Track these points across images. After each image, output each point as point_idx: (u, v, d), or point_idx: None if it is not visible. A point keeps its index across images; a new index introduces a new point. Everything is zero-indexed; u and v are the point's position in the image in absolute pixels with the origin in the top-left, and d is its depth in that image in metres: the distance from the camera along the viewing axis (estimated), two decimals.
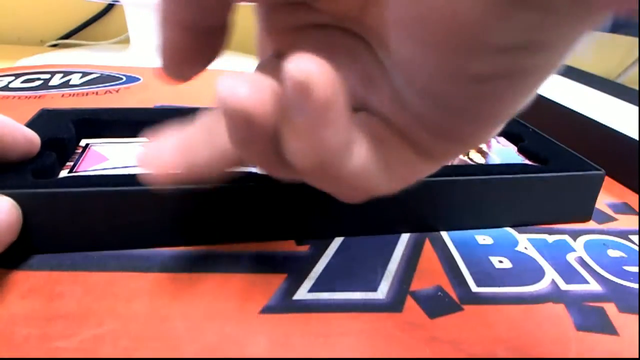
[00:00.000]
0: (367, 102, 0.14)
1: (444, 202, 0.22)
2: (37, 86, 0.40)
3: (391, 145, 0.14)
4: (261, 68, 0.15)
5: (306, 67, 0.10)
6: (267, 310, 0.17)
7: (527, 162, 0.26)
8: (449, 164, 0.14)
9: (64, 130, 0.24)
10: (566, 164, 0.24)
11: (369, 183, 0.13)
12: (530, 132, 0.29)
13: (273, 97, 0.11)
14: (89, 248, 0.19)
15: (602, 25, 0.11)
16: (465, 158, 0.27)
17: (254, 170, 0.23)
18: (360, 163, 0.13)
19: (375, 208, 0.21)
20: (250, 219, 0.21)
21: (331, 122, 0.11)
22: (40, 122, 0.24)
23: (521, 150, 0.28)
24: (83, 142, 0.25)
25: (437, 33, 0.10)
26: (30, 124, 0.22)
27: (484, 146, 0.28)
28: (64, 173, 0.22)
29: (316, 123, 0.11)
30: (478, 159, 0.27)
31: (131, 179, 0.19)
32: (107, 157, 0.23)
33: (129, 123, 0.26)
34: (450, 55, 0.10)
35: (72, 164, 0.22)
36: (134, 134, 0.26)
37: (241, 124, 0.11)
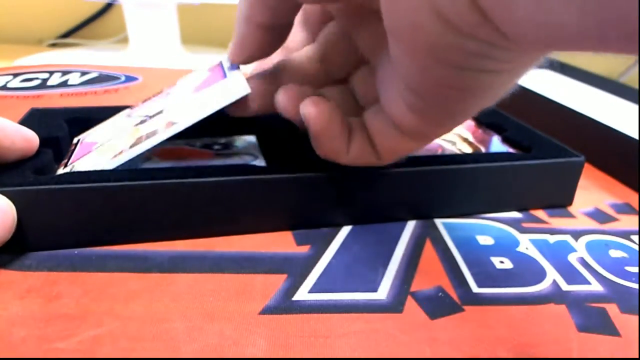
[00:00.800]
0: (379, 94, 0.18)
1: (432, 190, 0.23)
2: (35, 86, 0.40)
3: (385, 135, 0.18)
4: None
5: (308, 110, 0.18)
6: (267, 310, 0.17)
7: (511, 150, 0.27)
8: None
9: (58, 129, 0.24)
10: (548, 151, 0.25)
11: (363, 163, 0.19)
12: (512, 123, 0.30)
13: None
14: (89, 244, 0.19)
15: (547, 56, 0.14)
16: (455, 149, 0.27)
17: (253, 162, 0.23)
18: (355, 155, 0.19)
19: (368, 197, 0.22)
20: (249, 210, 0.21)
21: (326, 138, 0.18)
22: (32, 121, 0.24)
23: (505, 140, 0.28)
24: (74, 140, 0.25)
25: (408, 45, 0.13)
26: (22, 124, 0.22)
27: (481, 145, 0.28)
28: (59, 171, 0.22)
29: (316, 137, 0.18)
30: (465, 149, 0.28)
31: (130, 174, 0.19)
32: (97, 141, 0.23)
33: None
34: (418, 62, 0.13)
35: (66, 161, 0.23)
36: None
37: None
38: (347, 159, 0.19)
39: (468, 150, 0.28)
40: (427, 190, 0.23)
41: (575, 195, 0.26)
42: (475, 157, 0.24)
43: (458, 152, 0.27)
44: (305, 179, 0.21)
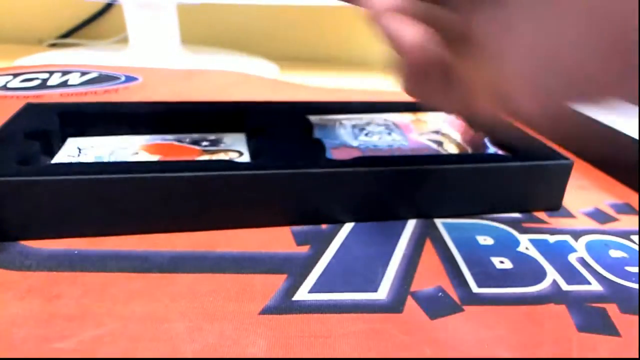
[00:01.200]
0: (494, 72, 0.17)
1: (417, 190, 0.23)
2: (35, 86, 0.40)
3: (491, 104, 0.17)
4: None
5: (410, 41, 0.17)
6: (267, 310, 0.17)
7: (499, 152, 0.27)
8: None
9: (48, 123, 0.24)
10: (536, 153, 0.25)
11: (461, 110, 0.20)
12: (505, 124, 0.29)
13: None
14: (71, 235, 0.20)
15: None
16: (441, 150, 0.27)
17: (238, 159, 0.23)
18: (453, 101, 0.18)
19: (363, 195, 0.22)
20: (238, 205, 0.21)
21: (425, 63, 0.17)
22: (25, 115, 0.25)
23: (495, 142, 0.28)
24: None
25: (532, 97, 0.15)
26: (16, 117, 0.23)
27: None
28: None
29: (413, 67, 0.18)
30: (452, 150, 0.28)
31: (112, 167, 0.20)
32: None
33: (114, 117, 0.27)
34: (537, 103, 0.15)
35: None
36: (119, 128, 0.27)
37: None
38: (449, 103, 0.19)
39: (454, 151, 0.27)
40: (410, 190, 0.23)
41: (563, 198, 0.26)
42: (459, 157, 0.24)
43: (444, 152, 0.27)
44: (283, 175, 0.21)
